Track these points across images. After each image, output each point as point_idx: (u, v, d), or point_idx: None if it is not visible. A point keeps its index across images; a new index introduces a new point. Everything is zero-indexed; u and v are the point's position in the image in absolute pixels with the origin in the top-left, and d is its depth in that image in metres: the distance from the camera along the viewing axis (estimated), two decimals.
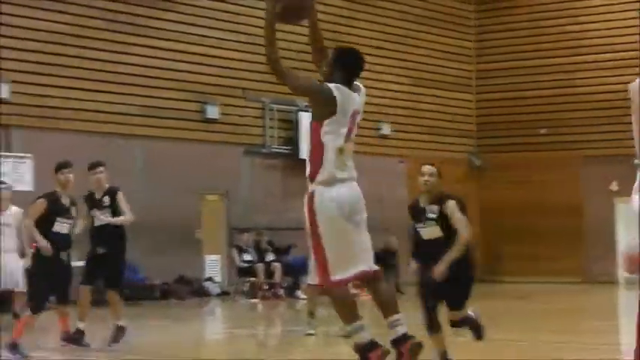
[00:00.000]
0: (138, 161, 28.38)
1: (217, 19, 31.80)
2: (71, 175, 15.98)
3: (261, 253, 30.17)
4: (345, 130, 9.81)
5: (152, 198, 27.35)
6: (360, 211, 9.70)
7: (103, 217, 16.62)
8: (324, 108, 9.78)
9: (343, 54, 10.24)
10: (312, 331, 18.52)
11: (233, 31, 31.90)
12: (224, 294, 30.25)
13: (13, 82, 26.84)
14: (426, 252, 12.70)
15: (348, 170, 9.80)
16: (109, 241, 16.75)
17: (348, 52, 10.34)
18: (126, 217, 16.83)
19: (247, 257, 29.78)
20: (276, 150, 32.82)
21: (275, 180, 31.99)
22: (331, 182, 9.38)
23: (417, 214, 12.69)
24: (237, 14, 32.13)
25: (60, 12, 28.04)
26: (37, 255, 16.29)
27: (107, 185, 16.72)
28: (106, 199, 16.61)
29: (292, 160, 32.11)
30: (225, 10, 32.02)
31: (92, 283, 17.40)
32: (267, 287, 29.58)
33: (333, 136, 9.78)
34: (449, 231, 12.72)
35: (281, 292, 29.89)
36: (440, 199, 12.45)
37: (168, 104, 29.94)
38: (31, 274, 17.02)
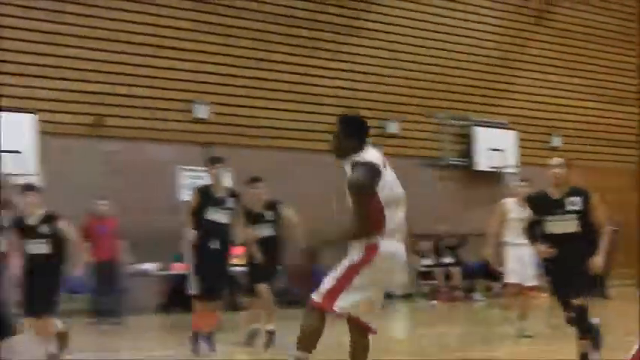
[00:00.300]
0: (321, 175, 27.10)
1: (399, 43, 32.48)
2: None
3: (439, 258, 30.46)
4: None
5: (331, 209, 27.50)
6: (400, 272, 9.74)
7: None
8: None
9: (352, 121, 9.88)
10: (528, 333, 17.51)
11: (411, 52, 32.62)
12: (406, 296, 29.80)
13: (212, 103, 28.19)
14: (556, 244, 12.30)
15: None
16: (271, 252, 16.90)
17: (356, 119, 9.97)
18: (296, 232, 17.05)
19: (427, 262, 30.24)
20: (452, 162, 32.95)
21: (451, 189, 32.25)
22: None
23: (548, 206, 12.40)
24: (414, 37, 32.90)
25: (254, 39, 29.34)
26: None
27: (268, 199, 17.06)
28: (269, 214, 17.00)
29: (467, 171, 32.89)
30: (398, 33, 32.72)
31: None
32: (446, 289, 29.83)
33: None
34: (585, 224, 12.44)
35: (459, 294, 30.05)
36: (579, 192, 12.30)
37: None
38: None
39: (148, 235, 14.95)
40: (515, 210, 17.34)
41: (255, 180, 16.93)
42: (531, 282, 17.72)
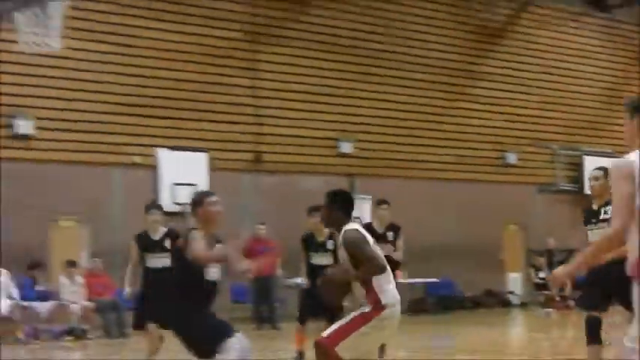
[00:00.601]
0: (450, 200, 28.83)
1: (522, 86, 32.57)
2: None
3: (552, 271, 29.72)
4: None
5: (463, 229, 28.24)
6: None
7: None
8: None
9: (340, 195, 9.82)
10: None
11: (524, 92, 32.68)
12: (523, 305, 30.66)
13: (357, 140, 28.52)
14: None
15: None
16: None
17: (342, 193, 9.93)
18: (398, 254, 16.06)
19: (542, 274, 29.65)
20: (564, 187, 32.83)
21: (563, 211, 31.28)
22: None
23: (589, 216, 11.99)
24: (528, 79, 32.88)
25: (396, 86, 29.51)
26: None
27: (390, 221, 16.11)
28: (390, 234, 16.02)
29: (578, 195, 31.97)
30: (517, 76, 32.74)
31: None
32: (559, 299, 29.16)
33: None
34: None
35: (571, 303, 28.71)
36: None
37: (476, 153, 30.65)
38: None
39: (298, 253, 14.83)
40: None
41: (381, 202, 16.22)
42: None
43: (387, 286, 9.10)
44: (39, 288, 21.97)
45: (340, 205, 9.36)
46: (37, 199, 23.01)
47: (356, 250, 8.95)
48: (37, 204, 22.95)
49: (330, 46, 28.69)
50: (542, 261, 30.29)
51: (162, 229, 14.29)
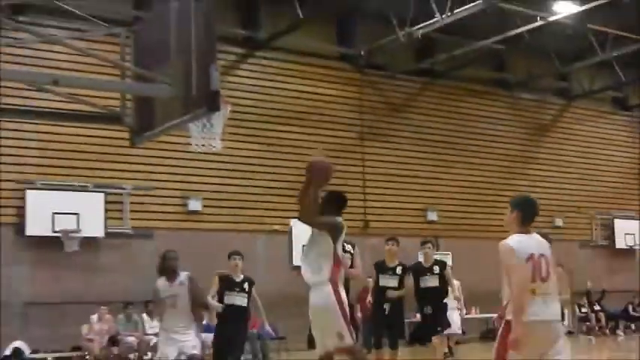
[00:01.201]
0: None
1: (558, 165, 32.18)
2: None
3: (591, 306, 29.60)
4: None
5: None
6: None
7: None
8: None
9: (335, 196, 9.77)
10: None
11: (567, 172, 32.24)
12: (570, 332, 27.78)
13: (440, 210, 28.46)
14: None
15: None
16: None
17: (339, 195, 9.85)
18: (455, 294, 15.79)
19: (584, 310, 29.57)
20: (600, 243, 32.31)
21: (599, 262, 31.47)
22: None
23: None
24: (570, 161, 32.45)
25: (476, 169, 29.47)
26: None
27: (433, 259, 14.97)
28: (435, 268, 14.73)
29: (609, 249, 32.20)
30: (562, 160, 32.38)
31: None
32: (597, 328, 29.14)
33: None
34: None
35: (606, 331, 29.32)
36: None
37: None
38: None
39: None
40: None
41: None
42: None
43: None
44: (204, 323, 22.05)
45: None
46: (202, 258, 23.23)
47: None
48: (201, 261, 23.12)
49: (419, 141, 28.68)
50: (583, 299, 29.64)
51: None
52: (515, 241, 7.38)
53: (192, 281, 11.65)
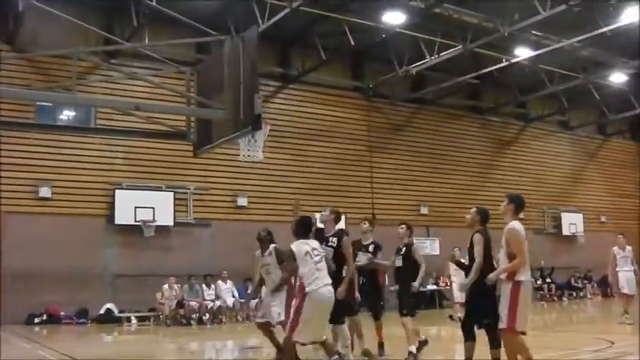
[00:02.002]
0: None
1: (518, 171, 31.80)
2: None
3: (544, 279, 28.66)
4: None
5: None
6: None
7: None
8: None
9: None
10: (629, 321, 14.97)
11: (524, 176, 31.46)
12: None
13: (430, 205, 28.32)
14: None
15: None
16: None
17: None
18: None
19: (538, 282, 28.01)
20: (549, 231, 31.64)
21: (547, 244, 30.48)
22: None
23: None
24: (526, 168, 31.90)
25: (456, 174, 29.20)
26: None
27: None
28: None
29: (557, 236, 31.42)
30: (520, 167, 31.91)
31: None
32: (548, 296, 28.20)
33: None
34: None
35: (555, 298, 28.37)
36: None
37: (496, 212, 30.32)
38: None
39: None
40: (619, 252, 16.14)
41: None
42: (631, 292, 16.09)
43: None
44: (249, 292, 21.93)
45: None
46: (249, 243, 23.04)
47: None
48: (248, 245, 22.94)
49: (414, 152, 28.30)
50: (537, 274, 28.58)
51: None
52: (520, 225, 7.86)
53: (277, 251, 10.34)
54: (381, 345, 10.65)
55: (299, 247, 8.38)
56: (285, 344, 8.35)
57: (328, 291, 8.32)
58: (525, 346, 7.57)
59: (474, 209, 8.82)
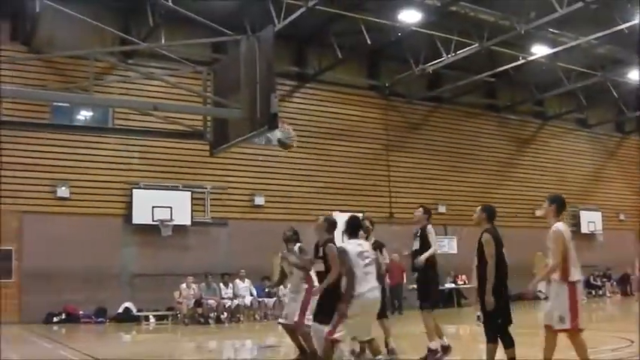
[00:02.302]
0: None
1: (536, 169, 31.84)
2: None
3: None
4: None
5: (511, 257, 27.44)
6: None
7: None
8: None
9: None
10: None
11: (544, 174, 31.42)
12: (546, 298, 28.98)
13: (448, 204, 28.13)
14: None
15: None
16: None
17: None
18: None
19: None
20: None
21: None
22: None
23: None
24: (545, 166, 31.92)
25: (474, 173, 29.23)
26: None
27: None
28: None
29: (576, 234, 31.22)
30: (538, 165, 31.97)
31: None
32: None
33: None
34: None
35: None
36: None
37: (516, 210, 29.50)
38: None
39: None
40: None
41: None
42: None
43: None
44: (266, 290, 21.95)
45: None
46: (266, 241, 23.11)
47: None
48: (265, 244, 23.03)
49: (431, 151, 28.23)
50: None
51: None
52: (564, 226, 7.84)
53: (301, 251, 10.09)
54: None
55: (353, 247, 8.24)
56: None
57: (374, 295, 8.28)
58: (585, 347, 7.58)
59: (479, 207, 8.54)
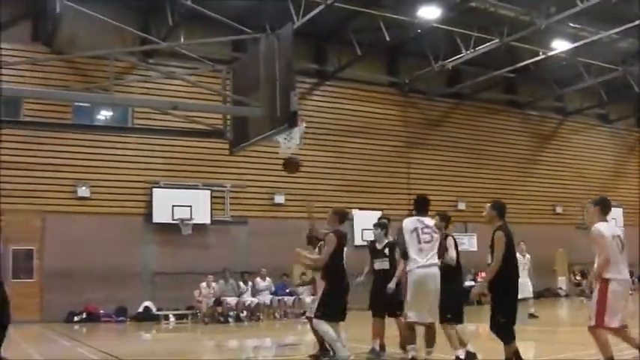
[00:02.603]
0: (520, 236, 27.80)
1: (558, 165, 31.69)
2: None
3: (583, 275, 27.81)
4: None
5: (530, 252, 27.51)
6: None
7: None
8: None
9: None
10: None
11: (565, 170, 31.35)
12: (567, 295, 28.64)
13: (468, 201, 28.14)
14: None
15: None
16: None
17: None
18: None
19: (578, 278, 28.31)
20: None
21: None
22: None
23: None
24: (566, 162, 31.72)
25: (494, 169, 29.20)
26: None
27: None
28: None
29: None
30: (560, 161, 31.83)
31: None
32: (588, 292, 28.42)
33: None
34: None
35: None
36: None
37: (537, 206, 29.55)
38: None
39: None
40: None
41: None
42: None
43: None
44: (287, 290, 21.95)
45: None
46: (285, 239, 23.15)
47: None
48: (285, 242, 23.06)
49: (451, 148, 28.12)
50: (577, 269, 28.76)
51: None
52: (604, 226, 7.82)
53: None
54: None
55: (409, 222, 8.70)
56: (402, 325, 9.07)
57: (425, 273, 8.53)
58: (608, 346, 7.52)
59: (489, 205, 8.36)
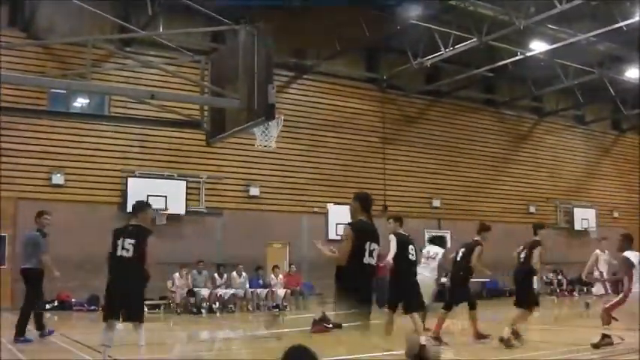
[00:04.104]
0: (494, 234, 27.98)
1: (532, 165, 32.00)
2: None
3: (555, 274, 28.86)
4: None
5: (503, 251, 27.72)
6: None
7: None
8: None
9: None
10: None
11: (539, 170, 31.65)
12: (538, 294, 28.39)
13: (442, 199, 28.62)
14: None
15: None
16: None
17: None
18: None
19: (550, 276, 28.57)
20: (562, 226, 31.47)
21: (561, 239, 30.14)
22: None
23: None
24: (541, 162, 32.02)
25: (469, 168, 29.56)
26: None
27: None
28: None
29: (570, 231, 31.30)
30: (535, 161, 32.09)
31: None
32: (558, 290, 28.26)
33: None
34: None
35: (566, 292, 28.42)
36: None
37: (510, 206, 29.91)
38: None
39: None
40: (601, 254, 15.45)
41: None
42: None
43: None
44: (260, 281, 22.00)
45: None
46: (260, 232, 23.19)
47: None
48: (259, 235, 23.12)
49: (427, 145, 28.28)
50: (548, 268, 28.68)
51: None
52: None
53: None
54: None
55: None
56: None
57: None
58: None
59: (353, 197, 7.74)
